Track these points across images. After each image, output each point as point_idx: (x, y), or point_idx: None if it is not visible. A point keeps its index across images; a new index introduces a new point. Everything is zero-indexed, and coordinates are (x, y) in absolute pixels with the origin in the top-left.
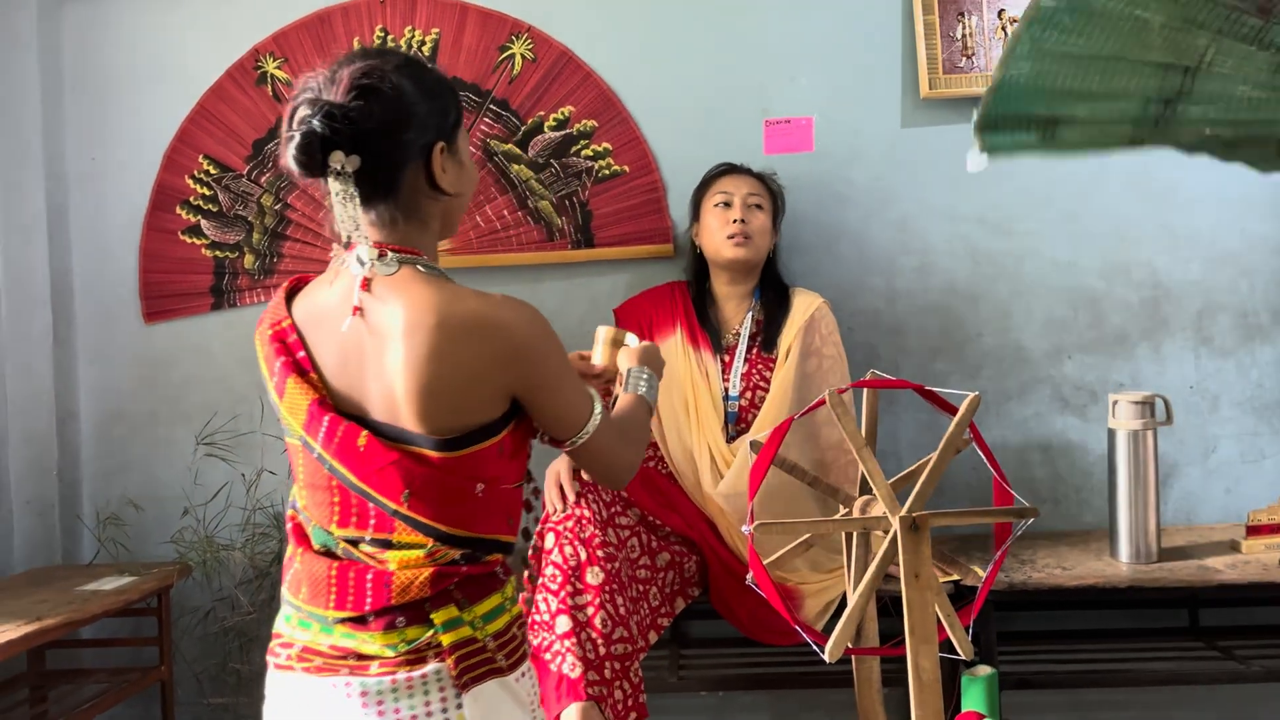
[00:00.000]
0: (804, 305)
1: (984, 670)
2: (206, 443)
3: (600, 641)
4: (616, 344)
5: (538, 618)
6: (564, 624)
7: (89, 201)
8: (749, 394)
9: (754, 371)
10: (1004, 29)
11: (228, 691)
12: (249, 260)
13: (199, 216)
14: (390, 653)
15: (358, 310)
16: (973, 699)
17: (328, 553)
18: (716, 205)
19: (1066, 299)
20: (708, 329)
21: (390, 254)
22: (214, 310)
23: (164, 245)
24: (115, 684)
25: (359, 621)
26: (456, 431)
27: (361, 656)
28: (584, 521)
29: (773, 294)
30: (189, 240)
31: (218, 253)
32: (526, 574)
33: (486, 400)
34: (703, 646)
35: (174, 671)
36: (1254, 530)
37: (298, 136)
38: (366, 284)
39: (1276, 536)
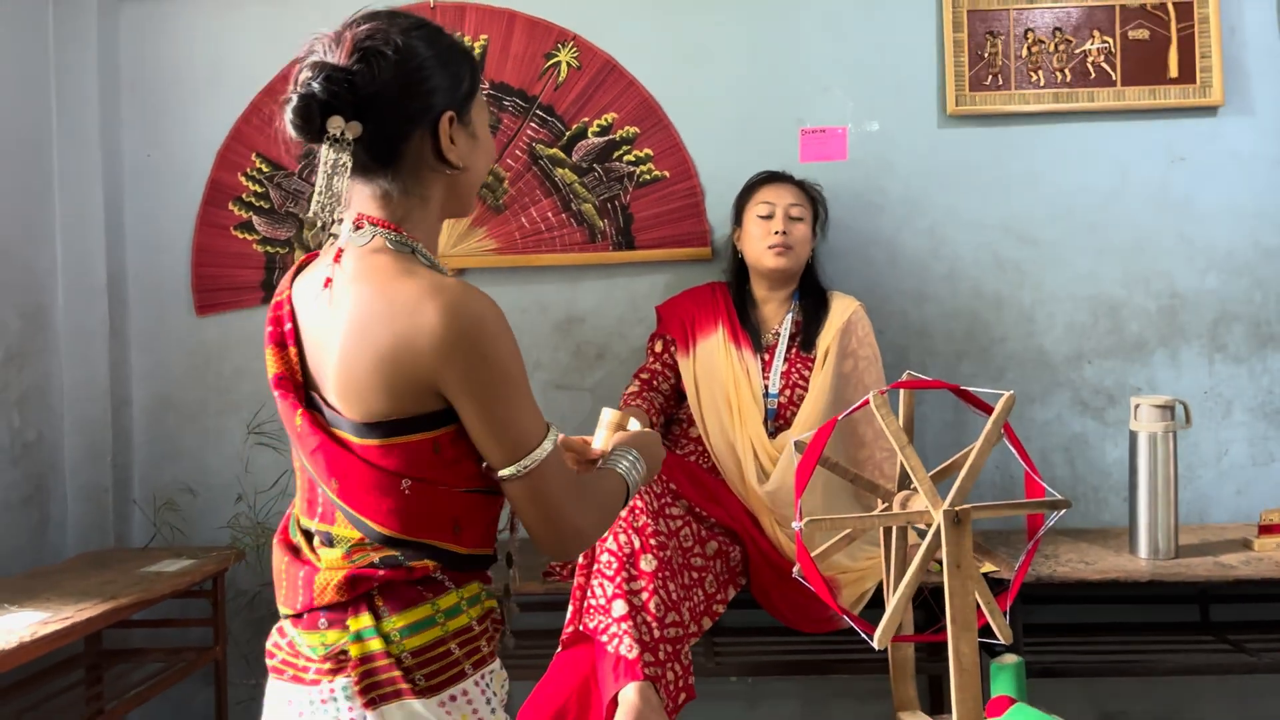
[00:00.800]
0: (841, 308)
1: (1011, 659)
2: (256, 432)
3: (655, 625)
4: (620, 428)
5: (593, 602)
6: (620, 608)
7: (144, 197)
8: (788, 391)
9: (793, 370)
10: (1029, 49)
11: None
12: (299, 256)
13: (251, 213)
14: (315, 655)
15: (328, 282)
16: (1002, 685)
17: (291, 546)
18: (759, 215)
19: (1087, 306)
20: (748, 328)
21: (367, 226)
22: (264, 304)
23: (216, 240)
24: (173, 664)
25: (297, 618)
26: (377, 417)
27: (302, 659)
28: (636, 511)
29: (811, 297)
30: (241, 236)
31: (268, 248)
32: (580, 558)
33: (408, 389)
34: (736, 634)
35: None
36: (1266, 529)
37: (295, 99)
38: (338, 256)
39: None
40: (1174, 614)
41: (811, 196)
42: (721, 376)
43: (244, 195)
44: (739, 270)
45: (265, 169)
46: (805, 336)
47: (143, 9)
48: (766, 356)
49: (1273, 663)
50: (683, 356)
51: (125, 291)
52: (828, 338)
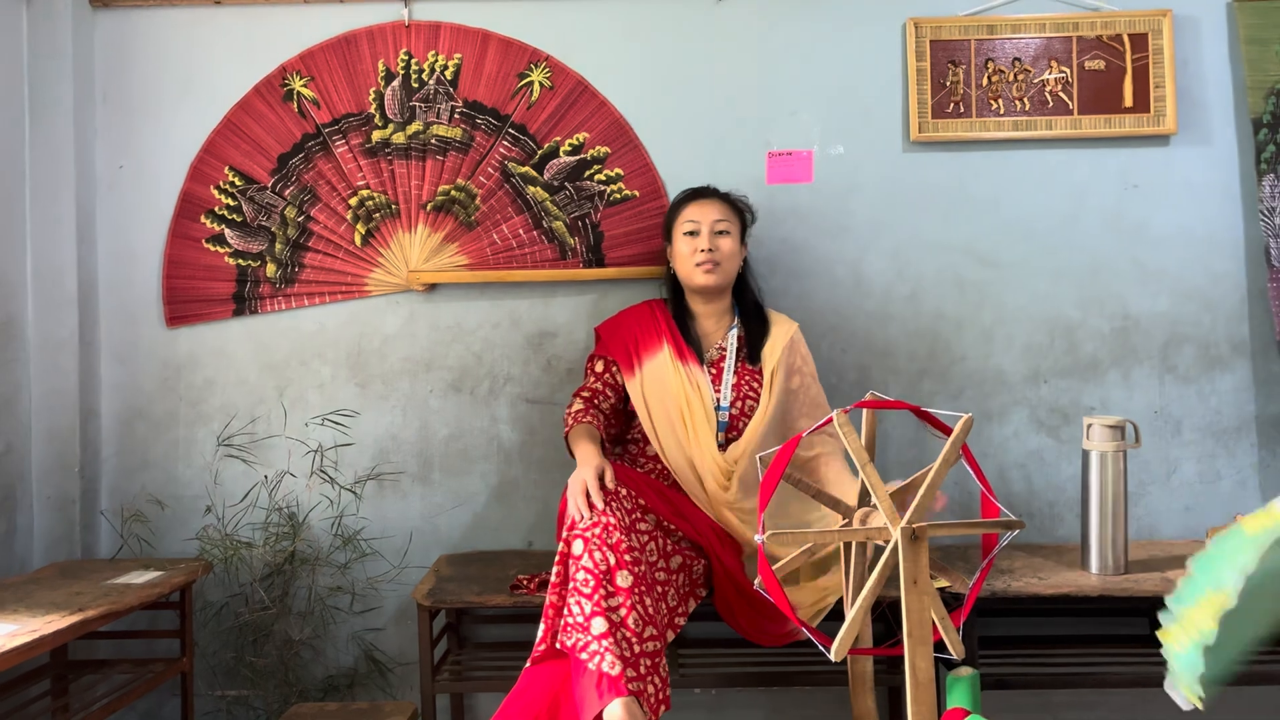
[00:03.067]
0: (784, 328)
1: (966, 671)
2: (226, 444)
3: (634, 640)
4: None
5: (570, 620)
6: (600, 625)
7: (116, 208)
8: (739, 403)
9: (743, 383)
10: (989, 78)
11: (242, 684)
12: (271, 269)
13: (223, 226)
14: None
15: None
16: (957, 697)
17: None
18: (685, 232)
19: (1044, 327)
20: (691, 344)
21: None
22: (235, 316)
23: (188, 252)
24: (140, 675)
25: None
26: None
27: None
28: (610, 528)
29: (750, 310)
30: (213, 248)
31: (240, 261)
32: (554, 577)
33: None
34: (700, 646)
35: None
36: None
37: None
38: None
39: None
40: (1124, 627)
41: (738, 208)
42: (674, 393)
43: (216, 208)
44: (675, 287)
45: (238, 182)
46: (750, 350)
47: (117, 21)
48: (714, 371)
49: None
50: (629, 377)
51: (96, 302)
52: (774, 355)
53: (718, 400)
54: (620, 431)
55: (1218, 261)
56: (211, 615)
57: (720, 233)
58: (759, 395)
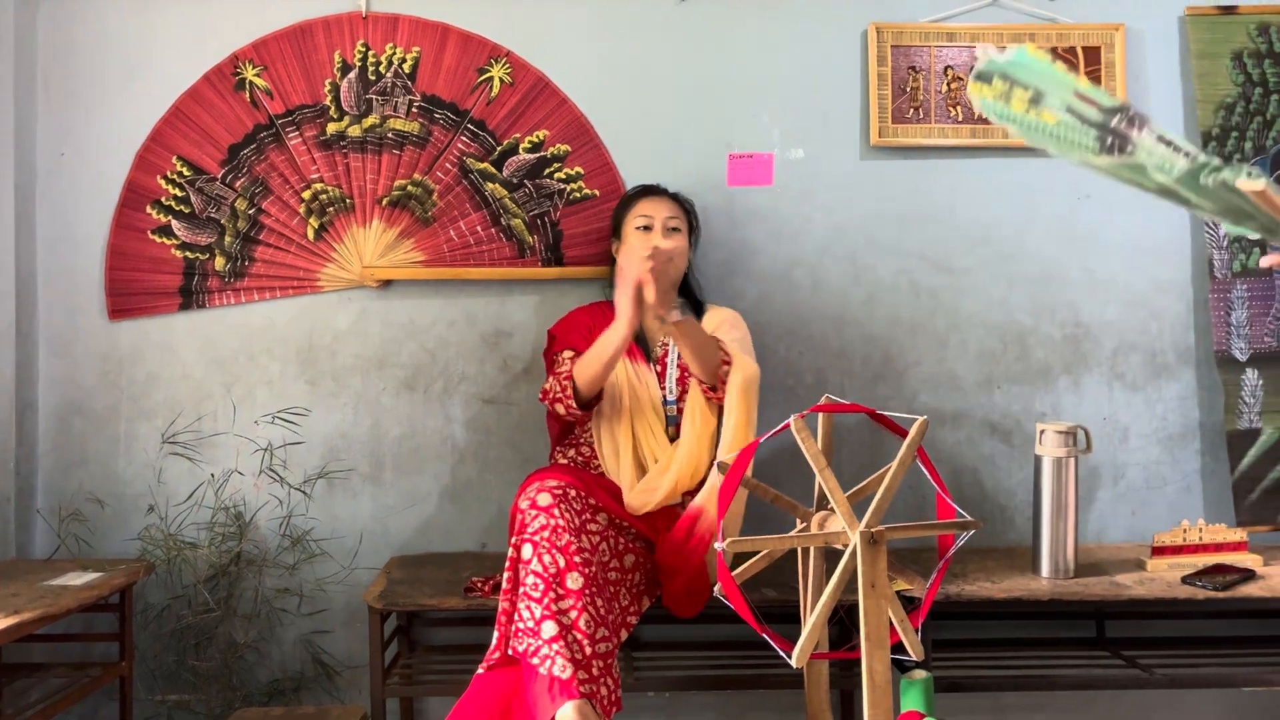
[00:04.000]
0: (717, 315)
1: (920, 674)
2: (171, 441)
3: (585, 642)
4: None
5: (521, 625)
6: (550, 629)
7: (57, 197)
8: (685, 397)
9: (685, 376)
10: (949, 85)
11: (183, 688)
12: (220, 262)
13: (170, 217)
14: None
15: None
16: (911, 700)
17: None
18: (637, 228)
19: (997, 333)
20: (639, 341)
21: None
22: (182, 310)
23: (132, 243)
24: (77, 680)
25: None
26: None
27: None
28: (559, 530)
29: (690, 307)
30: (159, 240)
31: (188, 253)
32: (504, 583)
33: None
34: (654, 649)
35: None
36: (1158, 550)
37: None
38: None
39: (1178, 557)
40: (1072, 629)
41: (686, 208)
42: (622, 390)
43: (163, 199)
44: None
45: (186, 172)
46: None
47: (61, 4)
48: (660, 367)
49: (1165, 678)
50: None
51: (34, 293)
52: None
53: (664, 395)
54: (560, 435)
55: (1164, 271)
56: (153, 617)
57: (673, 229)
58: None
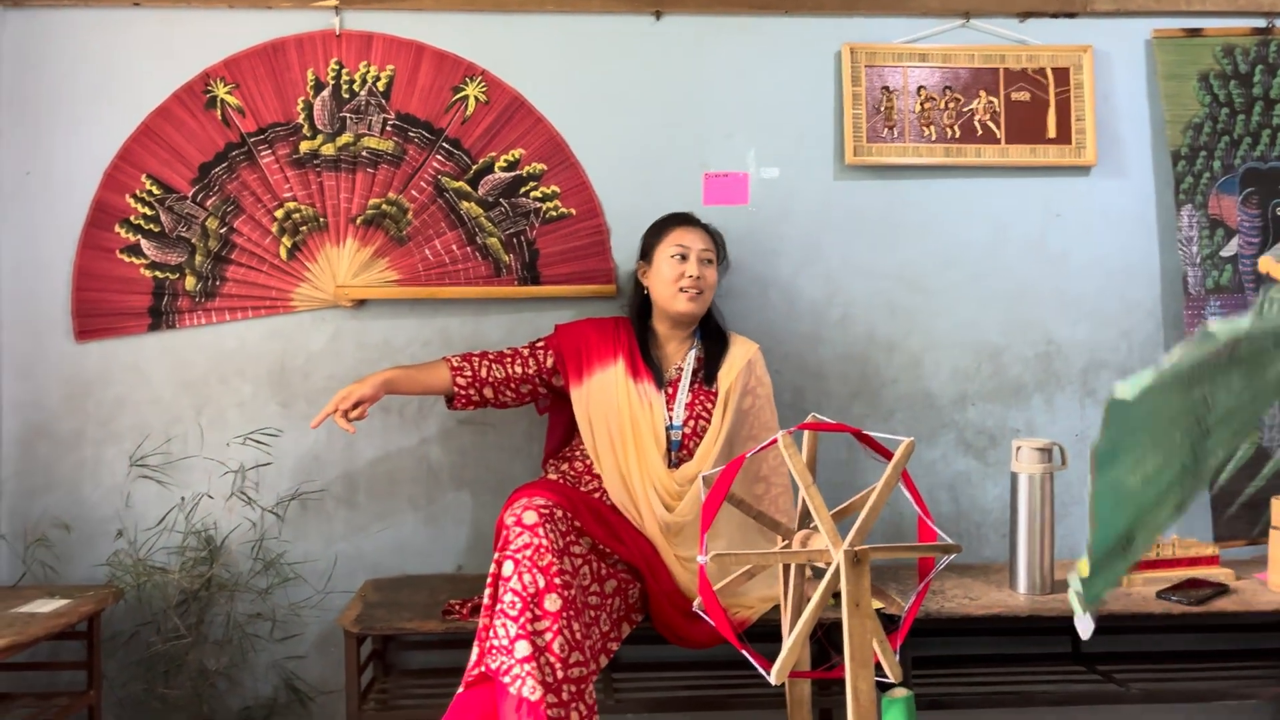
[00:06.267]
0: (743, 349)
1: (902, 692)
2: (139, 464)
3: (558, 665)
4: None
5: (496, 642)
6: (524, 649)
7: (22, 216)
8: (692, 423)
9: (696, 403)
10: (922, 105)
11: (153, 717)
12: (190, 282)
13: (139, 236)
14: None
15: None
16: (893, 718)
17: None
18: (672, 256)
19: (971, 352)
20: (650, 364)
21: None
22: (151, 331)
23: (100, 263)
24: (44, 710)
25: None
26: None
27: None
28: (541, 550)
29: (713, 335)
30: (128, 259)
31: (158, 273)
32: (485, 599)
33: None
34: (635, 670)
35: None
36: (1133, 565)
37: None
38: None
39: (1153, 571)
40: (1049, 645)
41: (717, 241)
42: (620, 410)
43: (132, 217)
44: (642, 305)
45: (156, 191)
46: (707, 371)
47: (27, 20)
48: (670, 390)
49: (1140, 692)
50: (574, 383)
51: None
52: (730, 375)
53: (670, 420)
54: (557, 446)
55: (1133, 290)
56: (121, 645)
57: (706, 261)
58: (711, 416)
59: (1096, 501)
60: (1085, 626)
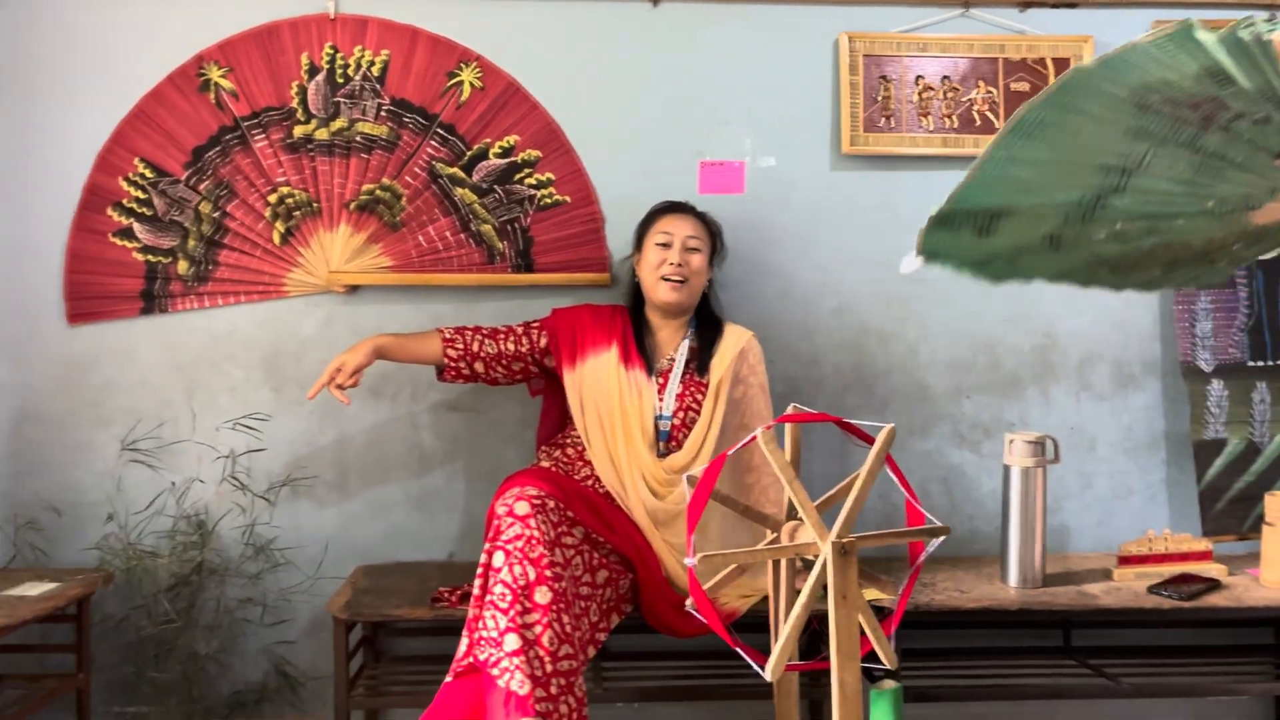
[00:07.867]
0: (736, 337)
1: (890, 685)
2: (131, 448)
3: (548, 659)
4: None
5: (485, 634)
6: (513, 642)
7: (14, 199)
8: (682, 413)
9: (687, 393)
10: (920, 95)
11: (142, 701)
12: (183, 266)
13: (131, 219)
14: None
15: None
16: (881, 710)
17: None
18: (658, 244)
19: (967, 343)
20: (643, 352)
21: None
22: (143, 315)
23: (92, 246)
24: (32, 692)
25: None
26: None
27: None
28: (532, 541)
29: (708, 324)
30: (120, 243)
31: (150, 257)
32: (475, 589)
33: None
34: (623, 659)
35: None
36: (1125, 560)
37: None
38: None
39: (1145, 566)
40: (1039, 638)
41: (710, 230)
42: (610, 396)
43: (125, 201)
44: (637, 294)
45: (149, 174)
46: (700, 361)
47: (20, 1)
48: (661, 380)
49: (1131, 687)
50: (567, 368)
51: None
52: (722, 364)
53: (660, 409)
54: (550, 434)
55: None
56: (111, 628)
57: (692, 249)
58: (702, 407)
59: (984, 162)
60: (908, 263)
